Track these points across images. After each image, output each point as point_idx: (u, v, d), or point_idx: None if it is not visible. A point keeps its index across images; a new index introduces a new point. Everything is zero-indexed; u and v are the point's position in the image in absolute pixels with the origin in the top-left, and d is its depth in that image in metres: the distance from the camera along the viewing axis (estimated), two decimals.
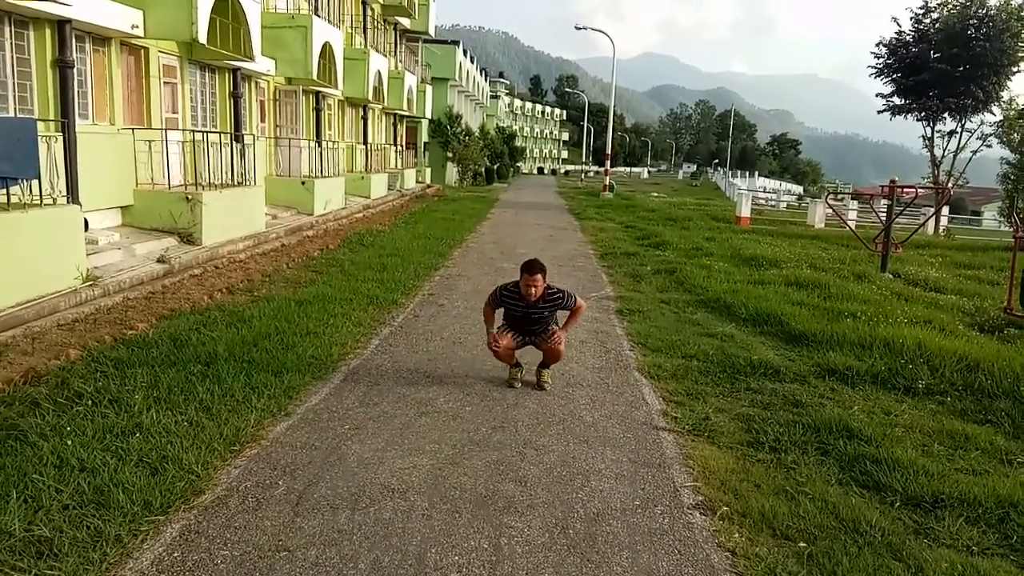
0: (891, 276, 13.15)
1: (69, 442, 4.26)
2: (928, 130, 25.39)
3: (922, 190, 20.58)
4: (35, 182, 8.27)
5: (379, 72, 26.51)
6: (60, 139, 9.17)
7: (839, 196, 34.49)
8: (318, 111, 21.78)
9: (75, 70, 10.31)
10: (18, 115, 9.49)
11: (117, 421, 4.67)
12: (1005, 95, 23.18)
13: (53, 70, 10.02)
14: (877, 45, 27.35)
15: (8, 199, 7.87)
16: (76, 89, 10.37)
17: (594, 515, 3.93)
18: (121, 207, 11.92)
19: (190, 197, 11.91)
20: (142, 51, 12.66)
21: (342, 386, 5.88)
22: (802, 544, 3.75)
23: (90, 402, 5.00)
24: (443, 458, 4.56)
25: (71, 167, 9.33)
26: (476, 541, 3.56)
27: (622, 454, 4.84)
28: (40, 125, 8.66)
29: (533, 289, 5.79)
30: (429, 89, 39.53)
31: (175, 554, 3.36)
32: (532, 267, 5.82)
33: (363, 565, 3.33)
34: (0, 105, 9.38)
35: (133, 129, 12.13)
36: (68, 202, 9.08)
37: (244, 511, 3.78)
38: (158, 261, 10.56)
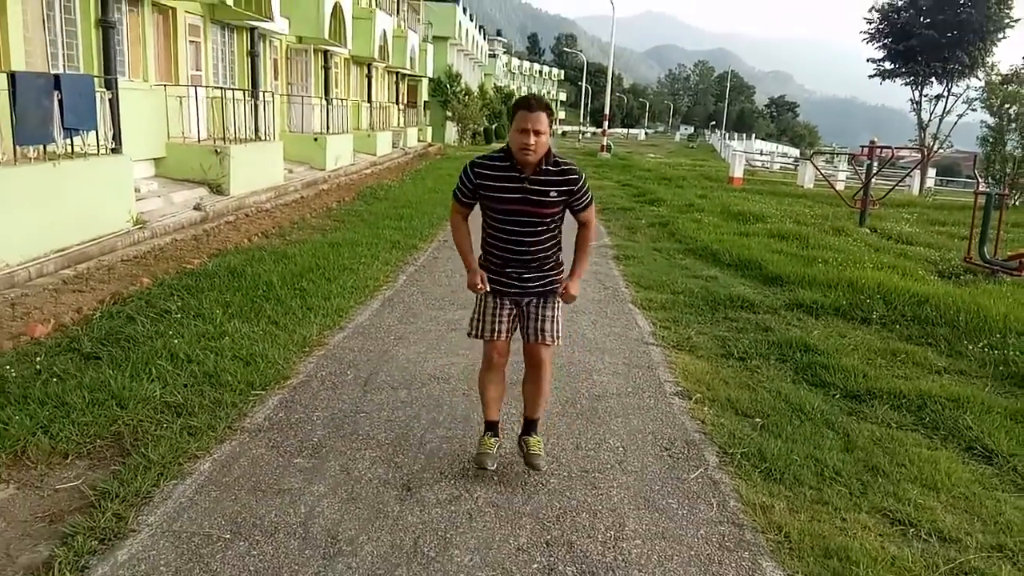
0: (868, 230, 14.19)
1: (175, 342, 5.31)
2: (916, 94, 26.30)
3: (908, 152, 21.54)
4: (92, 133, 9.22)
5: (384, 31, 27.11)
6: (107, 95, 10.03)
7: (830, 157, 35.34)
8: (327, 69, 22.50)
9: (115, 29, 11.13)
10: (68, 71, 10.35)
11: (206, 329, 5.72)
12: (990, 60, 24.04)
13: (96, 29, 10.85)
14: (870, 10, 28.06)
15: (72, 148, 8.80)
16: (116, 47, 11.21)
17: (596, 396, 5.02)
18: (155, 159, 12.82)
19: (219, 150, 12.82)
20: (170, 11, 13.44)
21: (381, 309, 6.94)
22: (757, 419, 4.84)
23: (179, 316, 6.04)
24: (474, 359, 5.59)
25: (117, 120, 10.21)
26: (506, 410, 4.63)
27: (618, 359, 5.91)
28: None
29: (533, 142, 3.39)
30: (430, 48, 39.99)
31: (280, 415, 4.43)
32: (531, 100, 3.45)
33: (424, 421, 4.42)
34: (52, 63, 10.24)
35: (165, 85, 12.98)
36: (119, 152, 9.99)
37: (325, 389, 4.86)
38: (194, 208, 11.53)
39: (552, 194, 3.57)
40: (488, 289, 3.68)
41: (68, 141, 8.67)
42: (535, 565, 3.08)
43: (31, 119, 7.87)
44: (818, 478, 4.05)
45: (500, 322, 3.77)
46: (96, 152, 9.26)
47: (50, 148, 8.42)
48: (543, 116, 3.43)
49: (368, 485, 3.65)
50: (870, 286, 8.46)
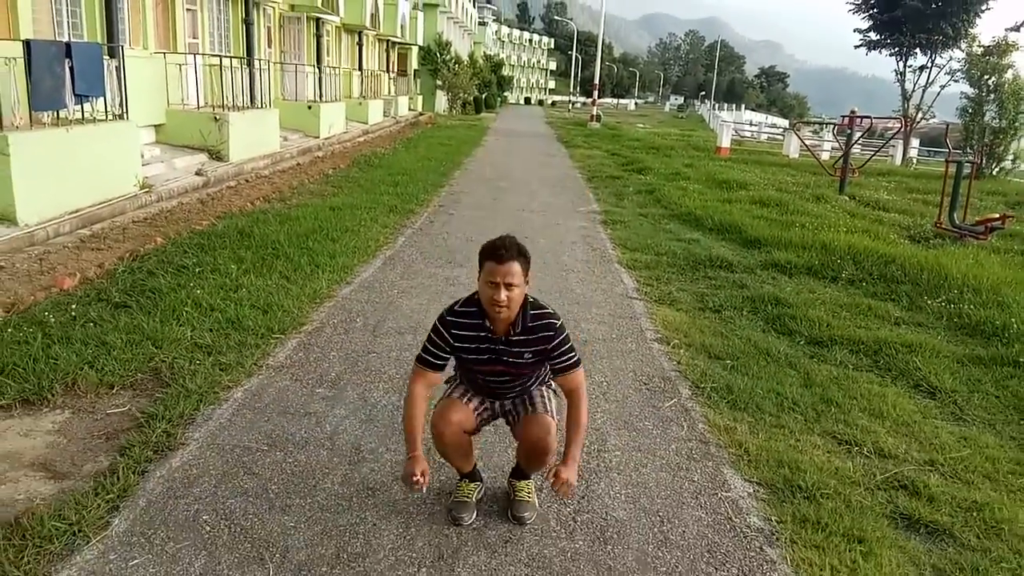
0: (847, 198, 14.71)
1: (197, 292, 5.78)
2: (900, 65, 26.77)
3: (889, 123, 22.02)
4: (100, 100, 9.55)
5: None
6: (113, 62, 10.34)
7: (818, 128, 35.75)
8: (318, 37, 22.66)
9: None
10: (73, 40, 10.63)
11: (223, 281, 6.19)
12: (973, 32, 24.47)
13: None
14: None
15: (83, 114, 9.15)
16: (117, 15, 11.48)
17: (583, 341, 5.54)
18: (155, 126, 13.13)
19: (218, 117, 13.15)
20: None
21: (384, 267, 7.41)
22: (728, 361, 5.37)
23: (196, 270, 6.50)
24: None
25: (123, 87, 10.52)
26: None
27: (603, 311, 6.43)
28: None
29: (504, 297, 2.87)
30: (420, 15, 39.94)
31: (299, 354, 4.93)
32: (500, 250, 2.90)
33: None
34: (58, 31, 10.52)
35: (164, 53, 13.25)
36: (125, 119, 10.33)
37: (338, 334, 5.35)
38: (196, 174, 11.90)
39: (527, 356, 3.03)
40: (426, 485, 2.88)
41: (79, 107, 9.02)
42: None
43: (45, 86, 8.21)
44: (778, 408, 4.59)
45: (469, 398, 3.22)
46: (105, 118, 9.61)
47: (62, 114, 8.77)
48: (515, 267, 2.86)
49: (383, 410, 4.17)
50: (841, 248, 8.99)
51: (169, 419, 3.88)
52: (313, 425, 3.94)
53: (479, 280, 2.96)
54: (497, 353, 3.04)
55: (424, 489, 2.89)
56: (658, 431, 4.15)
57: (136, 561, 2.81)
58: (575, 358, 3.09)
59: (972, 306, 7.01)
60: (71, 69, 8.64)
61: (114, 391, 4.27)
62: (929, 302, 7.24)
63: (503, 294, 2.86)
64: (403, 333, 5.44)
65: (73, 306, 5.44)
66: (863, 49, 29.21)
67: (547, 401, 3.20)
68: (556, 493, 2.95)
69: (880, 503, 3.59)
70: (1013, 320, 6.46)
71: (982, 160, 19.54)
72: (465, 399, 3.20)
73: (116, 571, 2.75)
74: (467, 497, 3.20)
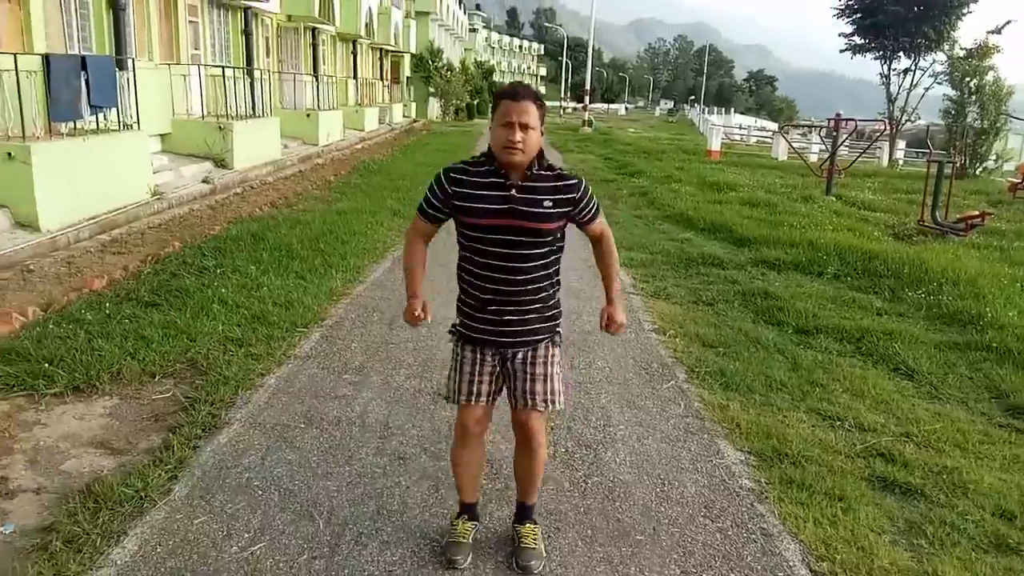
0: (834, 198, 15.16)
1: (222, 291, 6.15)
2: (885, 68, 27.36)
3: (875, 125, 22.54)
4: (112, 111, 9.91)
5: (370, 8, 27.62)
6: (124, 74, 10.70)
7: (807, 131, 36.31)
8: (315, 47, 23.06)
9: (124, 11, 11.76)
10: (86, 53, 10.99)
11: (244, 281, 6.56)
12: (955, 35, 25.08)
13: (108, 12, 11.48)
14: None
15: (97, 124, 9.51)
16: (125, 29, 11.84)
17: (586, 332, 5.93)
18: (162, 135, 13.48)
19: (222, 126, 13.51)
20: None
21: (393, 266, 7.79)
22: (720, 348, 5.77)
23: (217, 271, 6.86)
24: None
25: (134, 98, 10.87)
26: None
27: (602, 304, 6.80)
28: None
29: (520, 138, 2.67)
30: (413, 23, 40.39)
31: (323, 346, 5.31)
32: (516, 88, 2.75)
33: (444, 351, 5.29)
34: (68, 44, 10.88)
35: (169, 64, 13.61)
36: (137, 129, 10.69)
37: (356, 327, 5.73)
38: (203, 181, 12.25)
39: (546, 204, 2.77)
40: (428, 318, 2.93)
41: (93, 118, 9.37)
42: None
43: (63, 98, 8.57)
44: (767, 388, 4.99)
45: (479, 382, 2.93)
46: (118, 128, 9.97)
47: (78, 125, 9.12)
48: (531, 107, 2.67)
49: (407, 392, 4.55)
50: (828, 245, 9.41)
51: (211, 403, 4.25)
52: (343, 406, 4.32)
53: (492, 125, 2.75)
54: (510, 202, 2.75)
55: (429, 319, 2.93)
56: (657, 409, 4.55)
57: (200, 520, 3.17)
58: (597, 204, 2.95)
59: (950, 297, 7.42)
60: (86, 81, 9.00)
61: (156, 379, 4.63)
62: (910, 294, 7.66)
63: (518, 135, 2.65)
64: (418, 327, 5.82)
65: (106, 305, 5.80)
66: (848, 53, 29.81)
67: (550, 385, 2.93)
68: (611, 334, 3.12)
69: (859, 468, 3.98)
70: (988, 309, 6.88)
71: (966, 160, 20.06)
72: (472, 365, 2.94)
73: (183, 528, 3.11)
74: (463, 537, 3.03)
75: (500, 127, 2.69)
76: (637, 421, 4.36)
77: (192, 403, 4.26)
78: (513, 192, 2.74)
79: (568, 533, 3.21)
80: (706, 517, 3.39)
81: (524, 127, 2.66)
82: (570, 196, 2.81)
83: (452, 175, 2.82)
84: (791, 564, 3.08)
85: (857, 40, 28.74)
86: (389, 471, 3.62)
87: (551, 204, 2.78)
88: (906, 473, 3.94)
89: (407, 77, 43.46)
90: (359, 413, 4.23)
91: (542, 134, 2.76)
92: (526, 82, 2.85)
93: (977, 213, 11.40)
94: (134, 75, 10.59)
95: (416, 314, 2.91)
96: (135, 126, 10.66)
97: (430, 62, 44.95)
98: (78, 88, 8.89)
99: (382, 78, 36.24)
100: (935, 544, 3.33)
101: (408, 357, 5.16)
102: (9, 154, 7.76)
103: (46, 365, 4.55)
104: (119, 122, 10.05)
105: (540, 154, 2.78)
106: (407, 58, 42.78)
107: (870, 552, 3.19)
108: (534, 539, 3.04)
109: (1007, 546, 3.36)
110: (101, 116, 9.61)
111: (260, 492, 3.39)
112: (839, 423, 4.55)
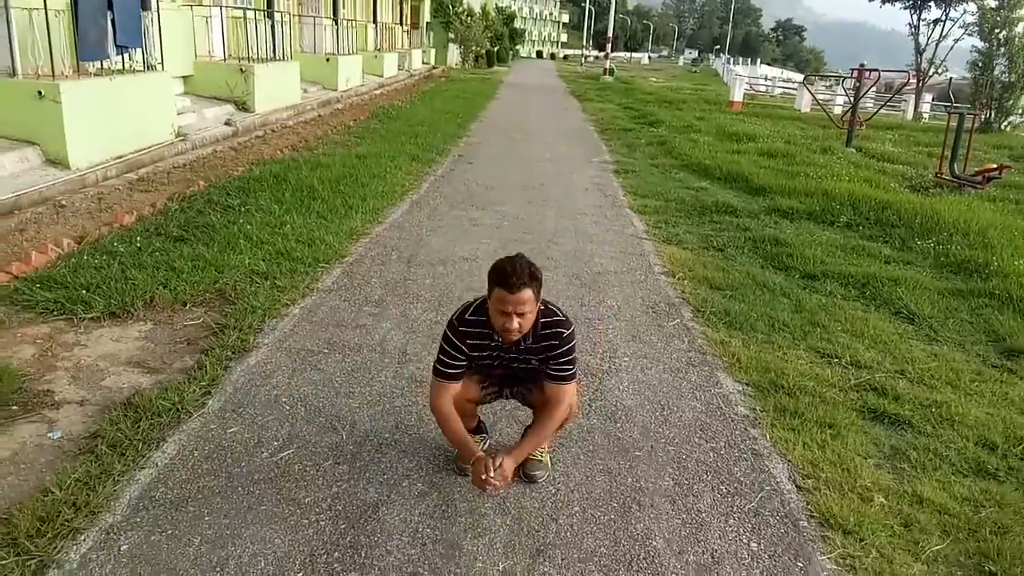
0: (854, 150, 15.08)
1: (247, 228, 6.39)
2: (914, 18, 26.73)
3: (903, 76, 22.16)
4: (138, 51, 10.05)
5: None
6: (147, 15, 10.79)
7: (834, 82, 35.65)
8: None
9: None
10: None
11: (268, 219, 6.79)
12: None
13: None
14: None
15: (123, 65, 9.67)
16: None
17: (597, 273, 6.13)
18: (184, 77, 13.60)
19: (244, 68, 13.59)
20: None
21: (411, 209, 7.99)
22: (727, 290, 5.95)
23: (242, 209, 7.09)
24: (495, 246, 6.69)
25: (159, 39, 10.99)
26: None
27: (615, 248, 7.00)
28: None
29: (517, 325, 2.81)
30: None
31: (344, 280, 5.55)
32: (511, 277, 2.74)
33: (460, 286, 5.55)
34: None
35: (191, 6, 13.65)
36: (161, 70, 10.84)
37: (376, 265, 5.97)
38: (225, 124, 12.41)
39: (533, 362, 3.01)
40: (503, 487, 2.93)
41: (119, 58, 9.52)
42: None
43: (91, 37, 8.72)
44: (769, 328, 5.18)
45: (471, 387, 3.13)
46: (143, 69, 10.12)
47: (105, 64, 9.29)
48: (527, 294, 2.74)
49: (423, 324, 4.79)
50: (842, 195, 9.48)
51: (240, 329, 4.51)
52: (364, 334, 4.57)
53: (489, 301, 2.85)
54: (505, 361, 3.03)
55: (502, 490, 2.92)
56: (662, 343, 4.76)
57: (233, 429, 3.45)
58: (572, 372, 2.98)
59: (959, 247, 7.53)
60: (112, 21, 9.12)
61: (187, 307, 4.90)
62: (919, 243, 7.76)
63: (515, 323, 2.78)
64: (434, 264, 6.05)
65: (137, 239, 6.05)
66: (879, 1, 29.10)
67: (566, 364, 3.01)
68: (481, 489, 2.88)
69: (851, 400, 4.19)
70: (994, 258, 6.99)
71: (990, 114, 19.74)
72: (475, 378, 3.13)
73: (218, 436, 3.39)
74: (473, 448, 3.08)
75: (497, 312, 2.81)
76: (642, 354, 4.58)
77: (222, 329, 4.53)
78: (510, 355, 3.01)
79: (571, 448, 3.46)
80: (701, 438, 3.63)
81: (520, 315, 2.78)
82: (545, 354, 2.96)
83: (467, 340, 2.95)
84: (778, 480, 3.32)
85: None
86: (407, 392, 3.88)
87: (537, 363, 3.02)
88: (896, 406, 4.15)
89: (427, 23, 42.91)
90: (379, 341, 4.49)
91: (538, 305, 2.86)
92: (521, 262, 2.77)
93: (995, 166, 11.35)
94: (158, 15, 10.68)
95: (483, 477, 2.83)
96: (159, 67, 10.80)
97: (450, 7, 44.30)
98: (105, 27, 9.02)
99: (402, 23, 35.83)
100: (917, 468, 3.56)
101: (425, 292, 5.39)
102: (39, 92, 7.95)
103: (83, 292, 4.83)
104: (144, 63, 10.19)
105: (541, 312, 2.91)
106: (427, 3, 42.18)
107: (854, 473, 3.42)
108: (540, 451, 3.24)
109: (986, 471, 3.57)
110: (126, 56, 9.75)
111: (288, 407, 3.67)
112: (836, 360, 4.75)
